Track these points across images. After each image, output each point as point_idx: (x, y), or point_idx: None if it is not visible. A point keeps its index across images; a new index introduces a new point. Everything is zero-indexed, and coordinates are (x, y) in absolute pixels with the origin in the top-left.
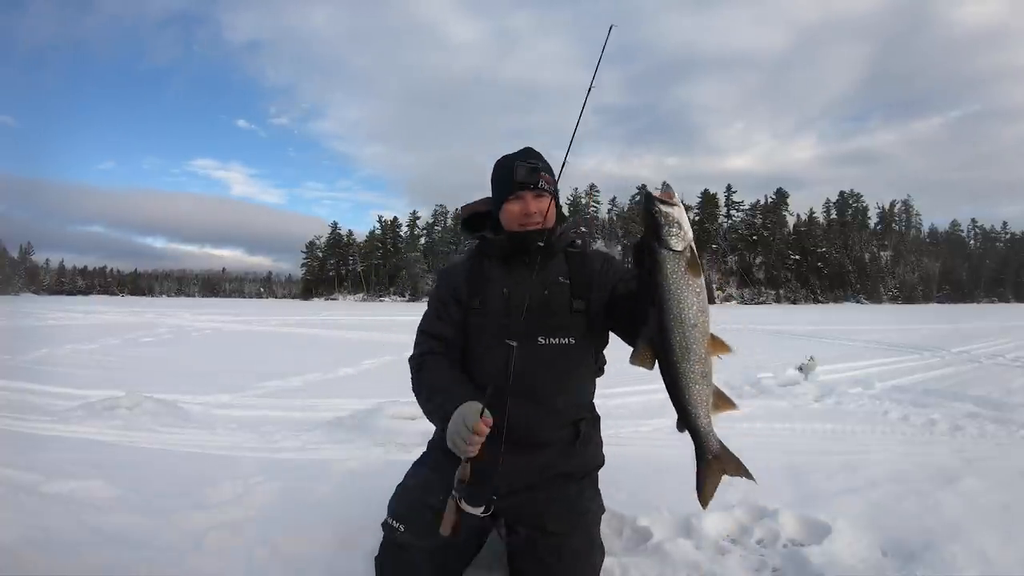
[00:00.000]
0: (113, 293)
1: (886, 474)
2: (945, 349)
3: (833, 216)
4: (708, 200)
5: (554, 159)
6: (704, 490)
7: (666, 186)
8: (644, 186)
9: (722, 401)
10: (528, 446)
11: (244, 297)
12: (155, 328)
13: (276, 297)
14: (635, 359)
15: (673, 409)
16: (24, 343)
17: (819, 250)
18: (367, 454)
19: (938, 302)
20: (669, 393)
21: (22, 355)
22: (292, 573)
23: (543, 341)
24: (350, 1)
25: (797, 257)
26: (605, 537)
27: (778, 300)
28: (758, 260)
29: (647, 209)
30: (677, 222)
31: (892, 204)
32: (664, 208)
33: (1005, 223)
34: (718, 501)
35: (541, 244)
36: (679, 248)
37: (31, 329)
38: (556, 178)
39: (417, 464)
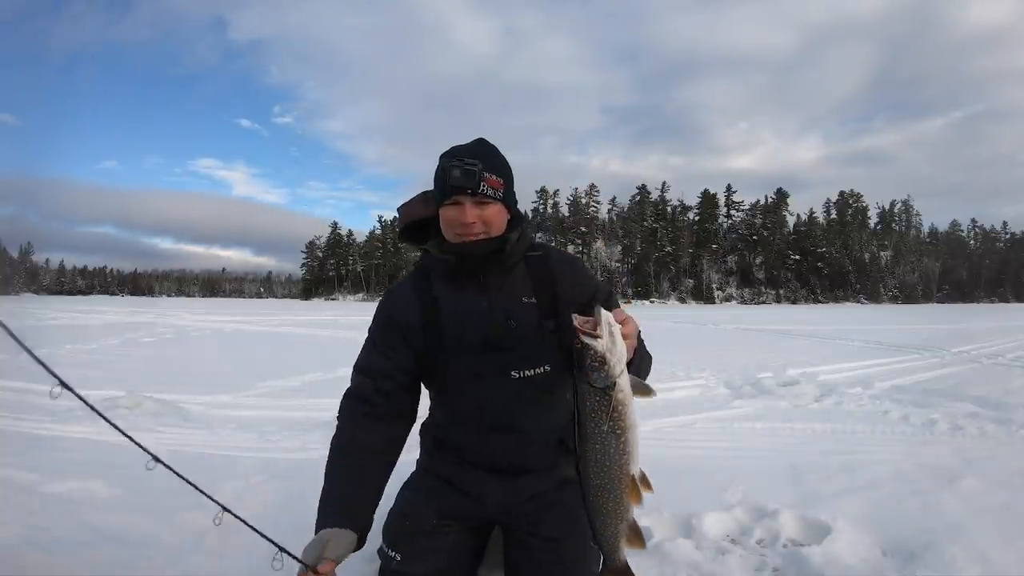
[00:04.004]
0: (113, 293)
1: (886, 474)
2: (945, 349)
3: (833, 216)
4: (708, 200)
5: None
6: None
7: (596, 311)
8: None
9: (635, 537)
10: (514, 473)
11: (244, 297)
12: (155, 328)
13: (276, 297)
14: None
15: (674, 408)
16: (24, 343)
17: (819, 250)
18: None
19: (938, 302)
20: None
21: (22, 355)
22: (292, 573)
23: (516, 375)
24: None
25: (797, 257)
26: None
27: (778, 300)
28: (758, 260)
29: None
30: (601, 357)
31: (892, 204)
32: (587, 341)
33: (1005, 223)
34: (718, 501)
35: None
36: (601, 386)
37: (31, 329)
38: (508, 180)
39: (411, 488)
